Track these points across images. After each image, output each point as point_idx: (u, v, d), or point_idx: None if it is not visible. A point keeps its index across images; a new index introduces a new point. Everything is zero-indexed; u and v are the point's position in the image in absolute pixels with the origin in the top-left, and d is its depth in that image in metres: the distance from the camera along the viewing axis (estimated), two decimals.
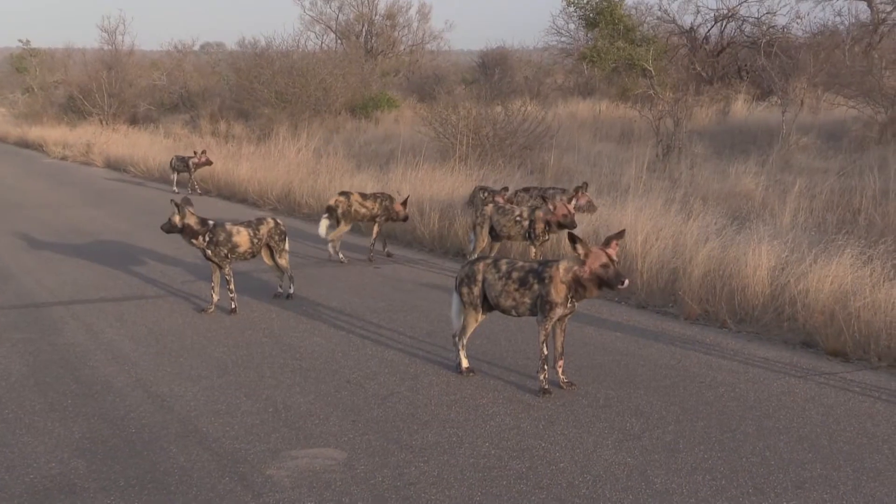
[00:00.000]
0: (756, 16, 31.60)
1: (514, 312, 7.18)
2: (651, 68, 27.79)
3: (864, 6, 31.09)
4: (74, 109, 39.16)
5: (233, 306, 9.69)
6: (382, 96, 33.52)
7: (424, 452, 5.96)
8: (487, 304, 7.33)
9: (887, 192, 13.08)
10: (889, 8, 30.31)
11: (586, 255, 6.72)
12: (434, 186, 14.98)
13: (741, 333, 8.77)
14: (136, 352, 8.31)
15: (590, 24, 32.38)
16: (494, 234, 11.03)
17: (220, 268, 9.71)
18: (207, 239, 9.57)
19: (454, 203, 13.53)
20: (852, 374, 7.48)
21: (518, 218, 10.70)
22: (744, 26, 31.79)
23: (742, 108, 26.38)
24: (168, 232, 9.64)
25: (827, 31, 31.15)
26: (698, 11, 33.32)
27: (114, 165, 27.36)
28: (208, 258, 9.68)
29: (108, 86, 37.76)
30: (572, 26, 34.76)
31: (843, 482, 5.43)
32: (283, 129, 25.54)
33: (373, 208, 12.51)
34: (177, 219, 9.51)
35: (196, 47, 51.87)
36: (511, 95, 29.51)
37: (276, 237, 10.09)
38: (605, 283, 6.72)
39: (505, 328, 8.97)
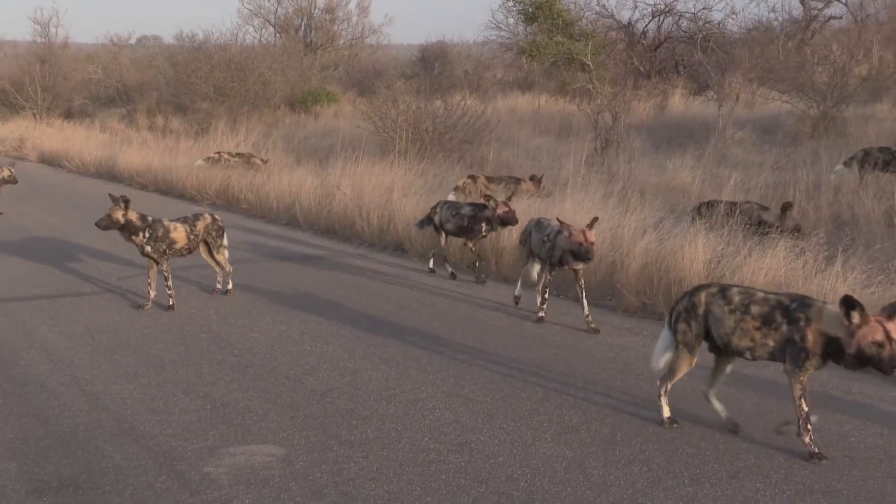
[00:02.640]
0: (693, 11, 31.99)
1: (748, 355, 5.90)
2: (590, 63, 27.89)
3: (796, 2, 31.59)
4: (6, 103, 38.38)
5: (170, 303, 9.59)
6: (322, 91, 33.35)
7: (363, 447, 5.95)
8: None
9: (819, 186, 13.28)
10: (820, 4, 30.80)
11: (858, 327, 5.33)
12: (374, 181, 14.94)
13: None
14: (70, 350, 8.20)
15: (529, 18, 32.38)
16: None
17: (158, 264, 9.62)
18: (147, 235, 9.46)
19: (393, 197, 13.49)
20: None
21: (546, 238, 8.97)
22: (681, 21, 32.07)
23: (679, 102, 26.63)
24: (105, 228, 9.50)
25: (761, 26, 31.56)
26: (636, 7, 33.64)
27: (48, 160, 26.93)
28: (146, 254, 9.57)
29: (41, 79, 37.11)
30: (511, 21, 34.72)
31: (775, 471, 5.52)
32: (221, 123, 25.33)
33: (496, 190, 13.30)
34: (119, 214, 9.39)
35: (132, 41, 51.14)
36: (451, 90, 29.55)
37: (214, 233, 10.00)
38: (873, 364, 5.35)
39: (444, 324, 8.98)
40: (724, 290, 5.99)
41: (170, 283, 9.63)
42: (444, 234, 11.25)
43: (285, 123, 29.42)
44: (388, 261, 12.16)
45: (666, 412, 6.29)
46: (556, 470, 5.58)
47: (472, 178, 13.86)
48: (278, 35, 43.41)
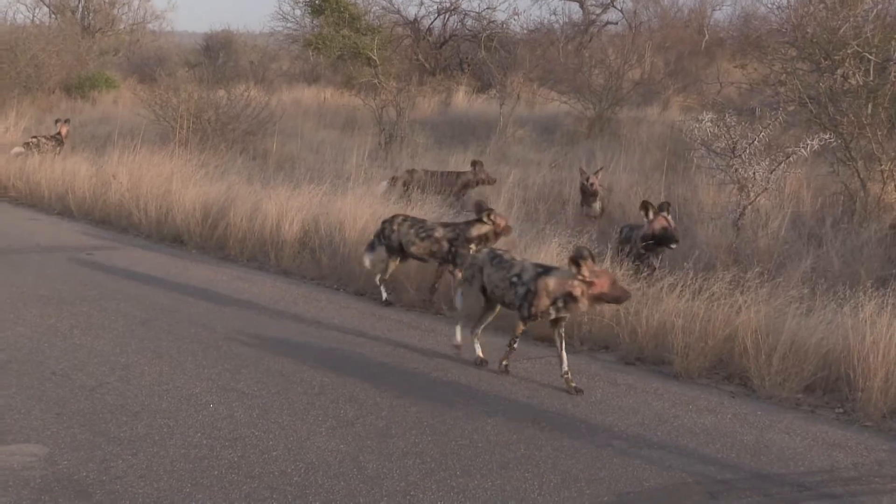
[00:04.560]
0: (477, 10, 32.49)
1: None
2: (375, 57, 27.97)
3: (576, 6, 32.73)
4: None
5: None
6: (100, 76, 32.08)
7: (133, 444, 5.79)
8: None
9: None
10: (598, 10, 32.04)
11: None
12: (153, 170, 14.51)
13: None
14: None
15: (315, 10, 32.22)
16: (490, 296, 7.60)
17: None
18: None
19: (172, 188, 13.14)
20: (555, 357, 7.76)
21: (516, 280, 7.19)
22: (465, 20, 32.57)
23: (463, 99, 27.01)
24: None
25: (543, 28, 32.55)
26: (422, 3, 33.90)
27: None
28: None
29: None
30: (298, 12, 34.51)
31: (543, 461, 5.69)
32: None
33: (433, 184, 12.93)
34: None
35: None
36: (235, 80, 28.91)
37: None
38: None
39: (221, 318, 8.82)
40: None
41: None
42: (396, 259, 9.48)
43: (60, 109, 28.11)
44: (166, 253, 11.84)
45: None
46: (330, 464, 5.58)
47: (411, 171, 13.45)
48: (53, 16, 41.49)
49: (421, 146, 18.63)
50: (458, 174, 13.44)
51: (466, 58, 31.41)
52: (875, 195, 11.16)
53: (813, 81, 12.88)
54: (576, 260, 6.75)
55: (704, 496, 5.30)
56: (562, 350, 7.05)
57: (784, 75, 13.82)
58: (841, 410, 6.76)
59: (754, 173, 10.21)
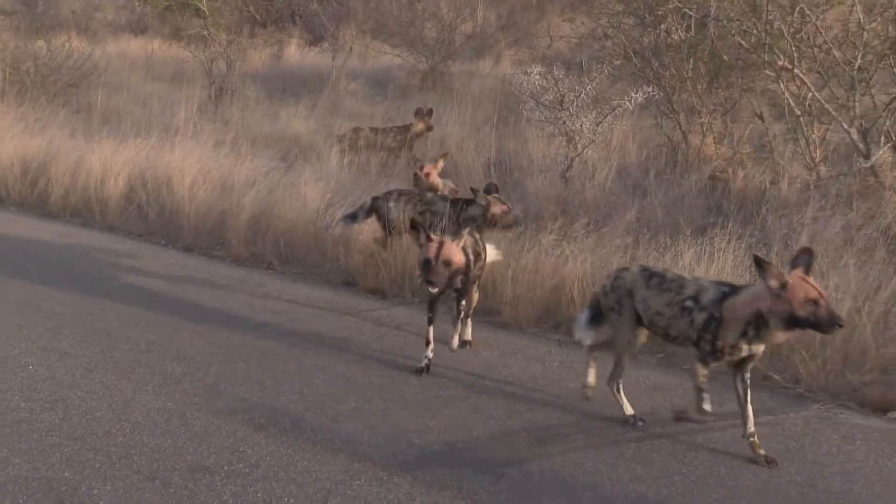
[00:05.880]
0: None
1: None
2: (205, 8, 27.27)
3: None
4: None
5: None
6: None
7: None
8: None
9: (427, 138, 13.79)
10: None
11: None
12: None
13: (286, 274, 8.93)
14: None
15: None
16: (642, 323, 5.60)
17: None
18: None
19: None
20: (388, 310, 7.86)
21: (690, 303, 5.21)
22: None
23: (295, 52, 26.60)
24: None
25: None
26: None
27: None
28: None
29: None
30: None
31: (373, 413, 5.71)
32: None
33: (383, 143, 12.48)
34: None
35: None
36: (56, 30, 27.81)
37: None
38: None
39: (45, 275, 8.52)
40: None
41: None
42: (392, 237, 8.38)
43: None
44: None
45: None
46: (156, 422, 5.47)
47: (356, 130, 12.83)
48: None
49: (252, 99, 18.30)
50: (406, 127, 13.09)
51: (298, 10, 30.93)
52: (695, 147, 11.53)
53: (637, 36, 13.15)
54: (759, 261, 4.89)
55: (531, 441, 5.41)
56: (747, 403, 5.20)
57: (610, 30, 14.08)
58: (662, 355, 6.98)
59: (581, 126, 10.40)
